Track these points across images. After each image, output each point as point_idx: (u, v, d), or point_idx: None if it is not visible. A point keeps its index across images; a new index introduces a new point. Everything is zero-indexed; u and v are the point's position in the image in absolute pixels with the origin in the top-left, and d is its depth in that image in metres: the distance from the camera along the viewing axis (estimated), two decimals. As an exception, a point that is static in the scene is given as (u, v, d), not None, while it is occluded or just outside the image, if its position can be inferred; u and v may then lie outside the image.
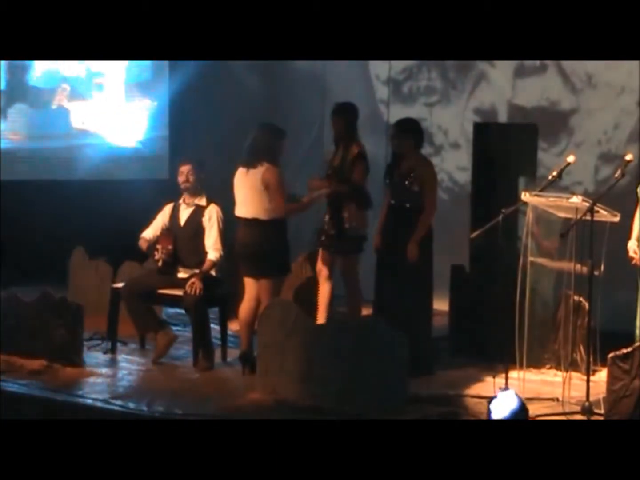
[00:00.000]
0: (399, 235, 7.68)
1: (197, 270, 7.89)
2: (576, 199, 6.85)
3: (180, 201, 8.17)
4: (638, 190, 7.13)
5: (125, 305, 8.02)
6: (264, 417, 6.37)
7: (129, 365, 7.96)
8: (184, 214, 8.12)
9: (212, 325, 8.03)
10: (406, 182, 7.72)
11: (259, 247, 7.55)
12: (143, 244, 8.07)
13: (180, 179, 8.07)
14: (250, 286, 7.71)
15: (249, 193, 7.58)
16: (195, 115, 11.32)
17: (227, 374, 7.75)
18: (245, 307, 7.73)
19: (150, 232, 8.11)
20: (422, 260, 7.65)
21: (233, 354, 8.00)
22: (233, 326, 8.37)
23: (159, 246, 7.97)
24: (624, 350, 6.46)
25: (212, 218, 8.00)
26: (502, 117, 9.90)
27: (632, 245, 7.21)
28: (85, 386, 7.34)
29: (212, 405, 6.78)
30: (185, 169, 8.05)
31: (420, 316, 7.71)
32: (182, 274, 7.98)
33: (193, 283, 7.77)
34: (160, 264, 7.95)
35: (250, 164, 7.57)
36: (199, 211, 8.08)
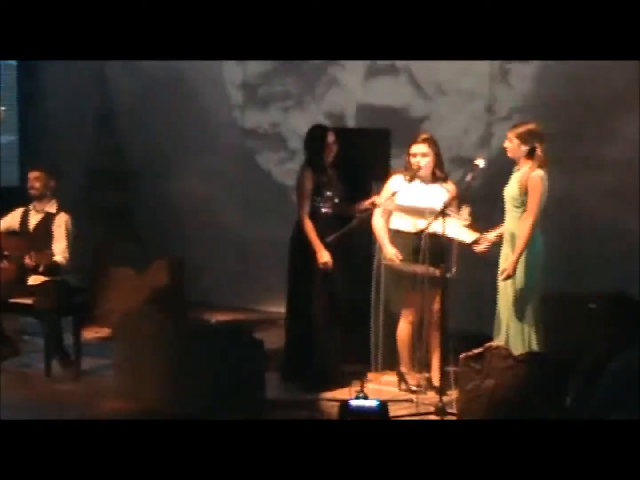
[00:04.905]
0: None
1: (48, 278, 7.76)
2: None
3: (31, 207, 8.10)
4: (505, 193, 7.15)
5: None
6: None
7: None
8: (33, 220, 8.05)
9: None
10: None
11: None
12: None
13: (28, 185, 8.04)
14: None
15: None
16: (47, 121, 11.11)
17: (81, 383, 7.59)
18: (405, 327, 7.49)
19: None
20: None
21: (87, 363, 7.88)
22: (88, 335, 8.24)
23: (7, 253, 7.83)
24: (475, 351, 6.56)
25: (61, 226, 7.94)
26: (353, 121, 9.98)
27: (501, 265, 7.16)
28: None
29: (71, 413, 6.67)
30: (33, 175, 8.04)
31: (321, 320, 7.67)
32: (32, 281, 7.82)
33: (45, 289, 7.65)
34: (13, 271, 7.76)
35: None
36: (48, 218, 8.01)
